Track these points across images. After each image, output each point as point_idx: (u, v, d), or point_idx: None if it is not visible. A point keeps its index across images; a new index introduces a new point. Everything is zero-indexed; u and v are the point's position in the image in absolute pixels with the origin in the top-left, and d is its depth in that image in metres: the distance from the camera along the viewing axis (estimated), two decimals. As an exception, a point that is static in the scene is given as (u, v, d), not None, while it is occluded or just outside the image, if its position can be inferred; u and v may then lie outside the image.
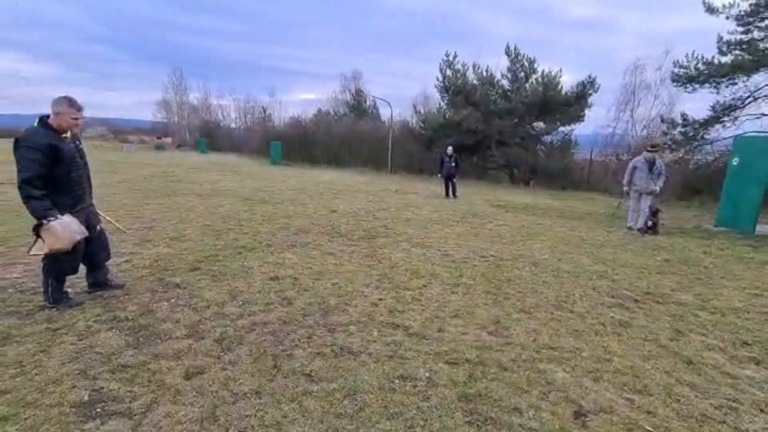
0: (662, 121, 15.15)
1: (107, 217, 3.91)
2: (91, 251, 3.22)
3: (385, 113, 30.71)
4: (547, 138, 19.36)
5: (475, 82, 18.94)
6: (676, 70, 13.22)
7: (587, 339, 3.00)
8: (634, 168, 7.61)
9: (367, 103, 34.94)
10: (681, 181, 13.26)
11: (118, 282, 3.56)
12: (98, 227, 3.32)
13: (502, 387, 2.31)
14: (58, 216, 2.80)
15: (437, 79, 19.87)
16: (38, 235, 2.81)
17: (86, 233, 3.01)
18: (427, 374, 2.41)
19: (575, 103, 17.77)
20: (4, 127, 39.36)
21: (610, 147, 19.68)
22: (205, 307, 3.24)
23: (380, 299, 3.60)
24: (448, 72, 19.32)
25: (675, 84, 13.82)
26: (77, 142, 3.08)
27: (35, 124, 2.85)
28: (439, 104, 21.21)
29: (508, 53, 18.36)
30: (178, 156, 27.15)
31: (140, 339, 2.68)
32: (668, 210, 10.80)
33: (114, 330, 2.78)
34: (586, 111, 18.25)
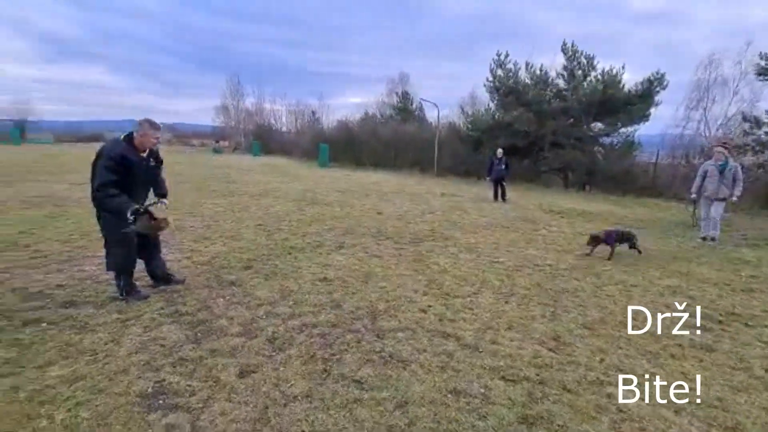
0: (744, 119, 13.57)
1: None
2: (143, 245, 3.39)
3: (431, 115, 30.48)
4: (607, 139, 18.08)
5: (527, 81, 18.16)
6: (762, 62, 11.79)
7: (663, 363, 2.69)
8: (705, 172, 6.90)
9: (414, 105, 34.87)
10: (767, 187, 11.78)
11: (179, 278, 3.75)
12: None
13: (566, 411, 2.11)
14: (138, 207, 3.04)
15: (487, 80, 19.30)
16: (152, 218, 3.14)
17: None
18: (482, 390, 2.27)
19: (639, 102, 16.44)
20: (88, 131, 44.15)
21: (679, 149, 17.97)
22: (258, 305, 3.32)
23: (429, 306, 3.49)
24: (499, 72, 18.70)
25: (760, 78, 12.34)
26: (151, 159, 3.35)
27: (121, 137, 3.17)
28: (488, 105, 20.60)
29: (564, 51, 17.42)
30: (234, 158, 28.72)
31: (198, 334, 2.79)
32: (752, 220, 9.64)
33: (176, 324, 2.91)
34: (652, 110, 16.84)
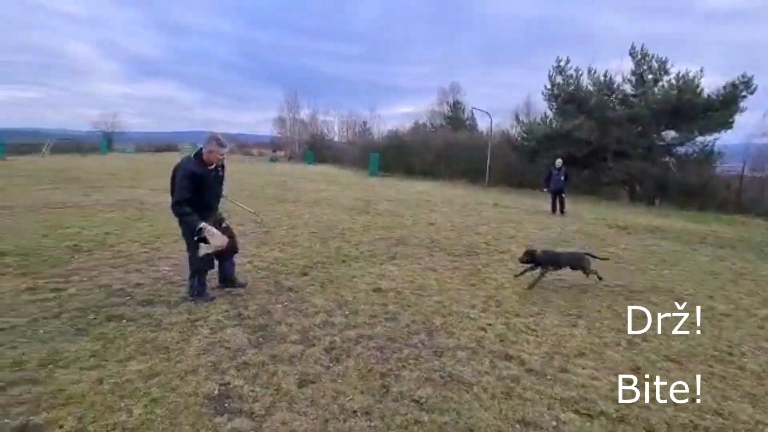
0: None
1: (246, 207, 4.83)
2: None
3: (483, 124, 29.84)
4: (681, 149, 16.53)
5: (590, 88, 17.18)
6: None
7: (771, 409, 2.31)
8: None
9: (465, 114, 34.41)
10: None
11: (242, 281, 3.91)
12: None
13: (655, 457, 1.86)
14: (205, 225, 3.23)
15: (545, 87, 18.57)
16: (202, 241, 3.29)
17: (225, 238, 3.40)
18: (554, 423, 2.08)
19: (721, 108, 14.87)
20: (164, 142, 49.20)
21: (768, 160, 15.93)
22: (315, 313, 3.35)
23: (489, 324, 3.32)
24: (558, 79, 17.90)
25: None
26: (219, 169, 3.58)
27: (191, 155, 3.43)
28: (545, 113, 19.76)
29: (632, 54, 16.29)
30: (289, 167, 30.06)
31: (260, 339, 2.86)
32: None
33: (239, 327, 3.02)
34: (736, 117, 15.14)
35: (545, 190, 11.18)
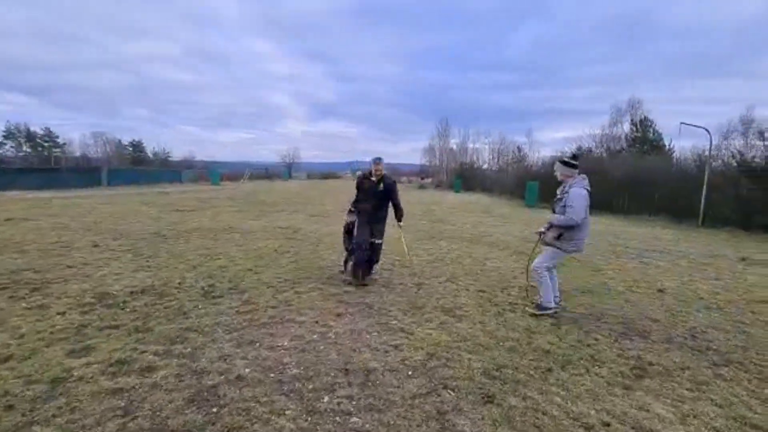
0: None
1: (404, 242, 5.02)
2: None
3: (685, 146, 23.02)
4: None
5: None
6: None
7: None
8: None
9: (652, 134, 27.64)
10: None
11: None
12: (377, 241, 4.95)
13: None
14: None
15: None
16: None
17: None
18: None
19: None
20: (327, 170, 59.51)
21: None
22: None
23: None
24: None
25: None
26: (381, 184, 4.93)
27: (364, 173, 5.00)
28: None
29: None
30: (437, 195, 29.18)
31: None
32: None
33: None
34: None
35: None
